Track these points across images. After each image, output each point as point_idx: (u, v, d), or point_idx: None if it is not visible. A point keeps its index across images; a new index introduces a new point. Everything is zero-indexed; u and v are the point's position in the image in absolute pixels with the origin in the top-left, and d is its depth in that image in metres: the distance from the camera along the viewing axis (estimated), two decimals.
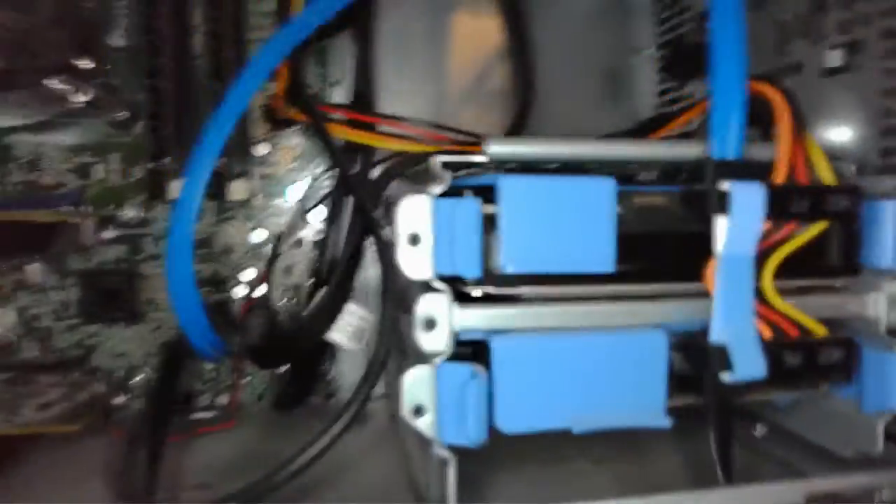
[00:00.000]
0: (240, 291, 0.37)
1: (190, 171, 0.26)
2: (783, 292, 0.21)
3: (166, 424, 0.28)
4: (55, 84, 0.28)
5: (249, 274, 0.37)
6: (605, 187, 0.20)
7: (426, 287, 0.19)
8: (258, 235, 0.38)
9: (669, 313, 0.22)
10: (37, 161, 0.36)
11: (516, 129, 0.37)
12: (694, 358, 0.22)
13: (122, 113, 0.36)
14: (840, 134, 0.27)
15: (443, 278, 0.20)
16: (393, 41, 0.39)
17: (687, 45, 0.38)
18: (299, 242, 0.37)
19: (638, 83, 0.42)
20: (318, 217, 0.36)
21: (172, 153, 0.35)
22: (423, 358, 0.20)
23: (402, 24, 0.39)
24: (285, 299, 0.37)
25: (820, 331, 0.22)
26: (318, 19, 0.26)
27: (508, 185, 0.20)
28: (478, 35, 0.40)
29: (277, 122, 0.37)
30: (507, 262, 0.20)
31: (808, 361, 0.21)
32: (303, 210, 0.35)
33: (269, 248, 0.37)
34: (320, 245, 0.34)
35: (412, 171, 0.29)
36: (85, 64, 0.29)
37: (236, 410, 0.36)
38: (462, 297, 0.20)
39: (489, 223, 0.20)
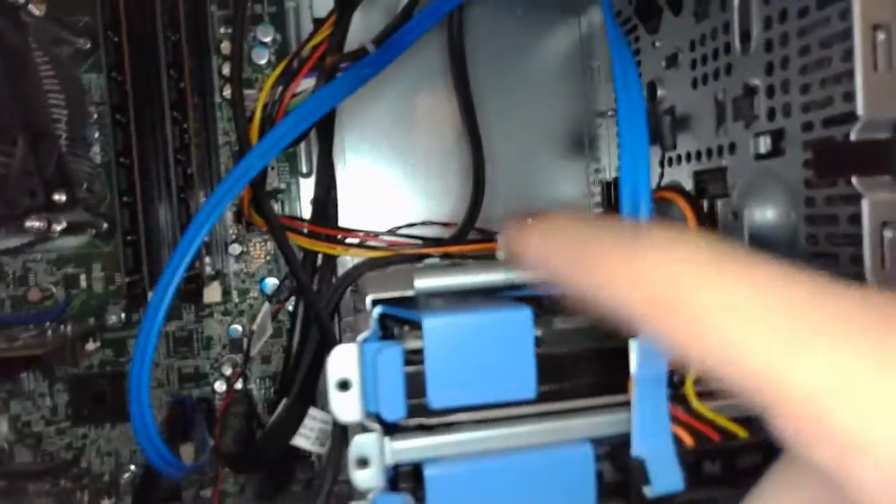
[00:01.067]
0: (220, 386, 0.39)
1: (151, 304, 0.27)
2: (705, 395, 0.23)
3: None
4: (34, 223, 0.30)
5: (228, 368, 0.39)
6: (522, 318, 0.22)
7: (359, 427, 0.21)
8: (236, 329, 0.40)
9: (596, 427, 0.23)
10: (24, 277, 0.38)
11: (474, 206, 0.39)
12: (620, 468, 0.23)
13: (103, 225, 0.39)
14: (768, 218, 0.28)
15: (374, 415, 0.21)
16: (359, 125, 0.41)
17: None
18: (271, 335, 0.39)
19: (604, 145, 0.43)
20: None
21: (148, 263, 0.37)
22: (358, 493, 0.21)
23: (368, 109, 0.41)
24: (264, 389, 0.39)
25: (742, 433, 0.23)
26: (269, 155, 0.28)
27: (431, 325, 0.21)
28: (440, 116, 0.42)
29: (247, 225, 0.39)
30: (433, 398, 0.21)
31: (726, 467, 0.22)
32: (271, 311, 0.37)
33: (246, 341, 0.39)
34: (285, 351, 0.35)
35: (369, 277, 0.31)
36: (59, 198, 0.31)
37: (220, 503, 0.37)
38: (395, 429, 0.22)
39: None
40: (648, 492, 0.22)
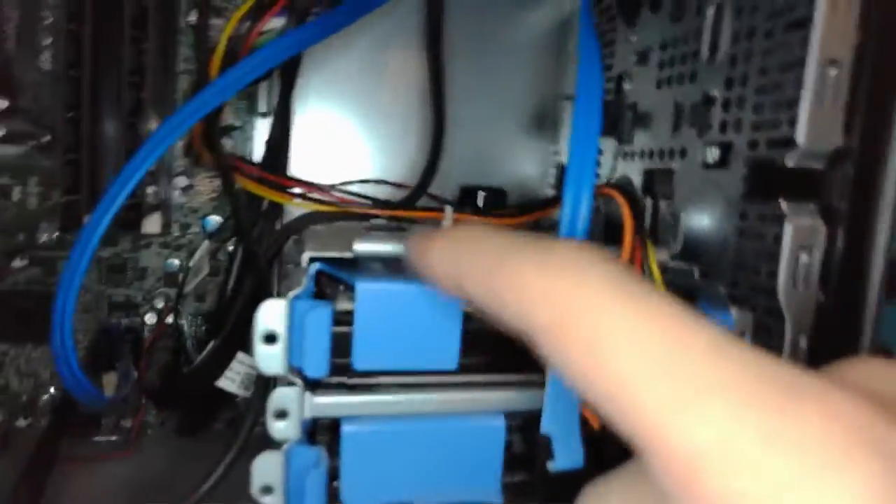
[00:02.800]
0: (151, 318, 0.39)
1: (87, 227, 0.27)
2: None
3: (55, 456, 0.30)
4: None
5: (161, 301, 0.39)
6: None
7: (283, 379, 0.21)
8: (173, 263, 0.39)
9: (511, 401, 0.24)
10: None
11: (429, 171, 0.39)
12: (529, 441, 0.24)
13: (45, 137, 0.37)
14: (704, 225, 0.29)
15: (297, 370, 0.22)
16: (325, 71, 0.40)
17: (604, 103, 0.40)
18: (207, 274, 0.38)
19: (566, 129, 0.44)
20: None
21: (87, 184, 0.36)
22: (274, 443, 0.22)
23: (337, 56, 0.40)
24: (195, 326, 0.39)
25: None
26: (229, 92, 0.27)
27: (364, 289, 0.22)
28: (408, 73, 0.41)
29: (196, 158, 0.38)
30: (358, 360, 0.22)
31: (626, 451, 0.24)
32: (213, 248, 0.36)
33: (182, 276, 0.39)
34: (218, 292, 0.35)
35: (312, 231, 0.31)
36: (0, 104, 0.30)
37: (139, 435, 0.37)
38: (317, 385, 0.22)
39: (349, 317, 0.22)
40: (551, 466, 0.23)
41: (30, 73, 0.36)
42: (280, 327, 0.21)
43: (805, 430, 0.10)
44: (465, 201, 0.38)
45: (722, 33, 0.28)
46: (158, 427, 0.39)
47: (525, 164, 0.43)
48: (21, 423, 0.37)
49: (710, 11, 0.29)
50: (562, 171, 0.43)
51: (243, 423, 0.25)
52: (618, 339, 0.12)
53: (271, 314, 0.21)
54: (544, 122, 0.43)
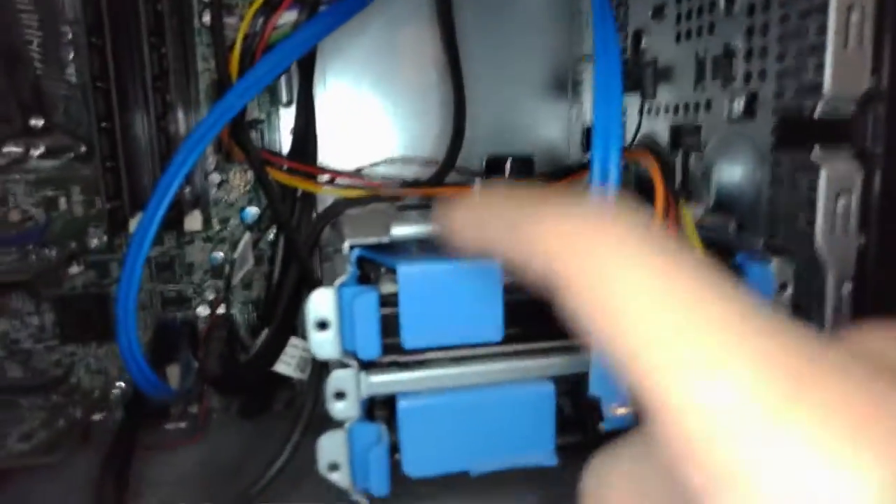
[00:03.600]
0: (203, 310, 0.41)
1: (142, 223, 0.28)
2: None
3: (133, 445, 0.32)
4: (12, 148, 0.30)
5: (210, 293, 0.40)
6: (492, 267, 0.23)
7: (338, 362, 0.23)
8: (217, 256, 0.40)
9: (558, 366, 0.25)
10: (4, 198, 0.38)
11: (454, 147, 0.40)
12: (578, 404, 0.26)
13: (81, 148, 0.38)
14: (736, 177, 0.29)
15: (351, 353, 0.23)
16: (342, 55, 0.40)
17: (622, 62, 0.40)
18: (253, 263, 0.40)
19: (587, 90, 0.43)
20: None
21: (127, 188, 0.37)
22: (336, 422, 0.23)
23: (352, 41, 0.41)
24: (247, 314, 0.41)
25: None
26: (251, 94, 0.28)
27: (406, 272, 0.23)
28: (425, 52, 0.41)
29: (227, 155, 0.39)
30: (406, 339, 0.23)
31: None
32: (252, 240, 0.38)
33: (227, 267, 0.40)
34: (265, 281, 0.37)
35: (347, 216, 0.32)
36: (36, 122, 0.31)
37: (206, 420, 0.40)
38: (371, 364, 0.23)
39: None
40: (602, 426, 0.24)
41: (59, 88, 0.37)
42: (331, 314, 0.22)
43: (825, 402, 0.10)
44: (492, 172, 0.39)
45: None
46: (223, 412, 0.41)
47: (549, 129, 0.43)
48: (96, 416, 0.40)
49: None
50: (586, 132, 0.43)
51: (304, 406, 0.26)
52: (639, 296, 0.12)
53: (321, 302, 0.22)
54: (564, 85, 0.43)
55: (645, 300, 0.12)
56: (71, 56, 0.38)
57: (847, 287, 0.23)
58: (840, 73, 0.22)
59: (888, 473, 0.09)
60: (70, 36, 0.37)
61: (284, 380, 0.39)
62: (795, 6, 0.24)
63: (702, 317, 0.11)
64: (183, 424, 0.40)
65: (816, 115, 0.22)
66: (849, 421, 0.10)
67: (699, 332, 0.11)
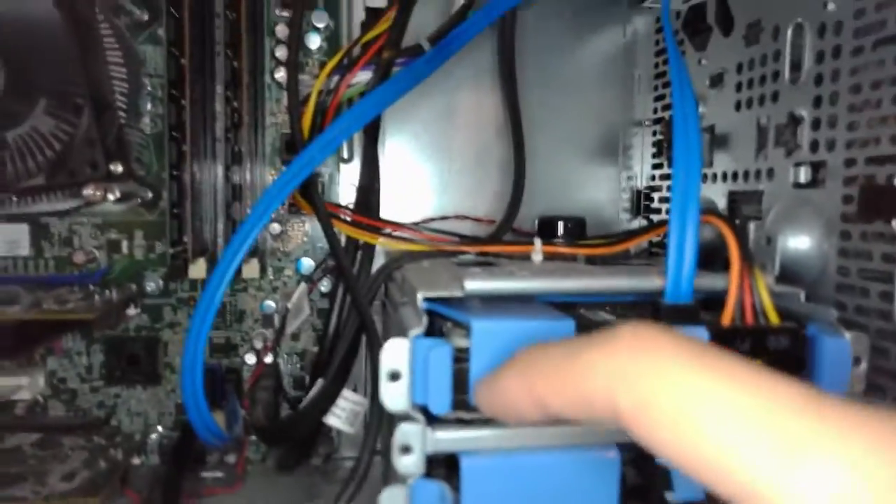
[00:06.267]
0: (250, 358, 0.41)
1: (209, 285, 0.29)
2: None
3: (178, 494, 0.32)
4: (90, 191, 0.31)
5: (259, 342, 0.41)
6: (565, 327, 0.23)
7: (405, 416, 0.22)
8: (269, 305, 0.41)
9: (625, 432, 0.24)
10: (70, 238, 0.39)
11: (514, 206, 0.40)
12: (644, 473, 0.25)
13: (148, 194, 0.40)
14: (801, 246, 0.29)
15: (419, 406, 0.22)
16: (403, 117, 0.42)
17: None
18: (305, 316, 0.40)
19: (637, 154, 0.44)
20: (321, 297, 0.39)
21: (189, 235, 0.38)
22: (399, 477, 0.22)
23: (413, 102, 0.42)
24: (292, 364, 0.41)
25: None
26: (327, 152, 0.29)
27: (479, 327, 0.23)
28: (480, 111, 0.43)
29: (290, 206, 0.40)
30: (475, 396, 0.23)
31: None
32: (307, 291, 0.38)
33: (278, 317, 0.40)
34: (320, 336, 0.37)
35: (409, 269, 0.32)
36: (116, 168, 0.33)
37: (243, 470, 0.39)
38: (435, 420, 0.23)
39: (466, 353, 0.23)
40: (670, 497, 0.23)
41: (135, 137, 0.39)
42: (403, 365, 0.22)
43: None
44: (544, 232, 0.39)
45: (804, 54, 0.29)
46: (259, 462, 0.41)
47: (599, 192, 0.44)
48: (135, 461, 0.39)
49: (789, 33, 0.29)
50: (637, 196, 0.43)
51: (360, 460, 0.26)
52: (708, 408, 0.12)
53: (395, 353, 0.22)
54: (615, 149, 0.44)
55: (718, 410, 0.12)
56: (148, 107, 0.40)
57: None
58: None
59: None
60: (149, 88, 0.39)
61: (323, 433, 0.39)
62: (867, 75, 0.24)
63: (780, 412, 0.11)
64: (219, 473, 0.40)
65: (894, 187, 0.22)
66: None
67: (782, 426, 0.11)
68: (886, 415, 0.11)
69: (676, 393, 0.13)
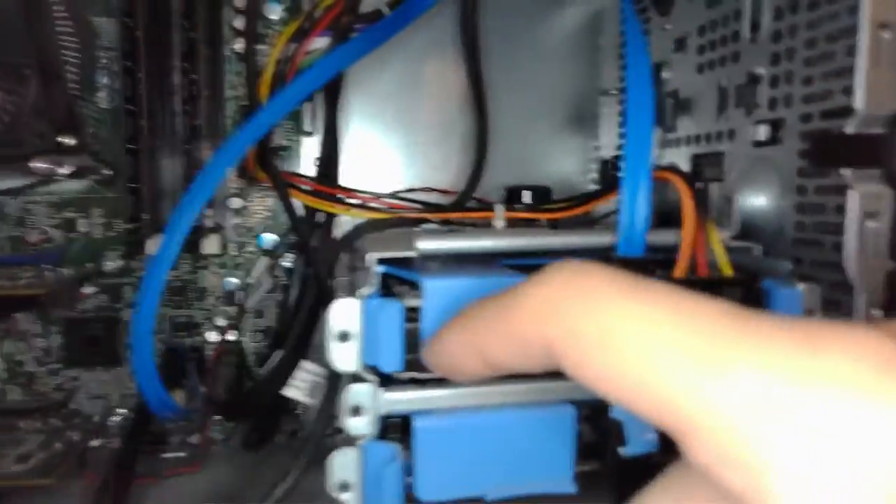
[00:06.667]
0: (212, 336, 0.40)
1: (163, 246, 0.28)
2: None
3: (132, 474, 0.31)
4: (39, 164, 0.30)
5: (221, 320, 0.40)
6: (517, 282, 0.23)
7: (355, 377, 0.22)
8: (231, 282, 0.40)
9: (579, 389, 0.24)
10: (24, 218, 0.38)
11: (476, 175, 0.40)
12: (598, 429, 0.24)
13: (106, 172, 0.39)
14: (760, 204, 0.29)
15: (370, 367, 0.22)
16: (365, 89, 0.41)
17: None
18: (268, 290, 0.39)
19: (605, 123, 0.44)
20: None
21: (148, 211, 0.37)
22: (349, 439, 0.22)
23: (375, 74, 0.41)
24: (257, 342, 0.40)
25: None
26: (281, 113, 0.29)
27: (431, 287, 0.22)
28: (446, 82, 0.42)
29: (250, 180, 0.39)
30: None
31: None
32: (270, 265, 0.37)
33: (241, 294, 0.40)
34: (279, 306, 0.36)
35: (369, 238, 0.32)
36: (68, 141, 0.32)
37: (206, 450, 0.38)
38: (388, 381, 0.23)
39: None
40: (623, 451, 0.23)
41: (90, 110, 0.38)
42: (353, 325, 0.22)
43: (837, 369, 0.10)
44: (511, 201, 0.39)
45: (763, 11, 0.28)
46: (223, 443, 0.40)
47: (565, 162, 0.43)
48: (94, 442, 0.38)
49: None
50: (603, 165, 0.43)
51: (316, 426, 0.25)
52: (629, 329, 0.12)
53: (344, 313, 0.22)
54: (582, 119, 0.43)
55: (639, 331, 0.12)
56: (104, 80, 0.39)
57: (877, 312, 0.22)
58: (871, 92, 0.22)
59: None
60: (104, 61, 0.38)
61: (289, 410, 0.38)
62: (822, 29, 0.24)
63: (698, 327, 0.11)
64: (182, 454, 0.39)
65: (846, 136, 0.22)
66: (865, 379, 0.10)
67: (700, 340, 0.11)
68: (805, 322, 0.11)
69: (600, 318, 0.12)
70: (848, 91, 0.23)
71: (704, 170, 0.33)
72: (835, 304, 0.23)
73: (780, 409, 0.10)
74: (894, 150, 0.22)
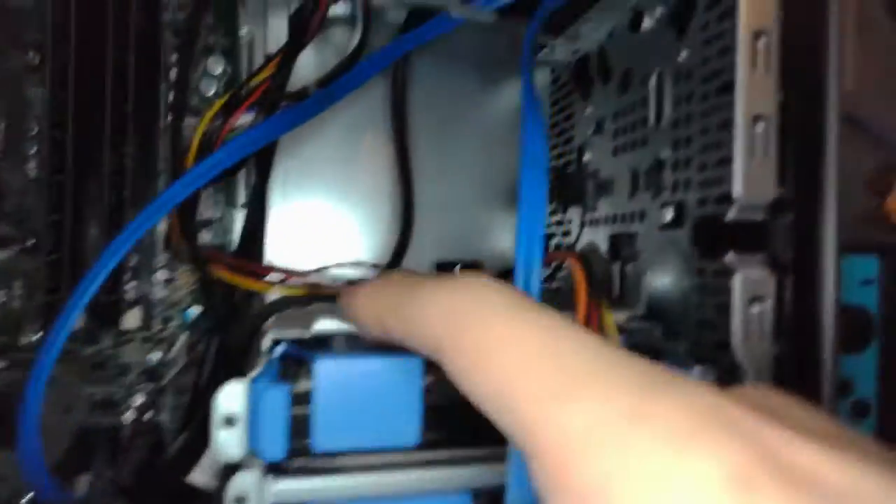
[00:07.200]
0: (130, 415, 0.38)
1: (63, 312, 0.27)
2: None
3: None
4: None
5: (141, 397, 0.38)
6: (412, 366, 0.22)
7: (239, 465, 0.21)
8: (153, 358, 0.39)
9: (477, 477, 0.23)
10: None
11: (400, 249, 0.40)
12: None
13: (29, 241, 0.38)
14: (665, 285, 0.29)
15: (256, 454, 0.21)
16: (297, 159, 0.42)
17: (568, 174, 0.41)
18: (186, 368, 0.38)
19: None
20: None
21: (67, 286, 0.37)
22: None
23: (305, 149, 0.42)
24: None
25: None
26: (199, 183, 0.29)
27: (321, 365, 0.22)
28: (379, 159, 0.43)
29: (175, 253, 0.39)
30: (317, 441, 0.21)
31: None
32: (190, 342, 0.36)
33: (162, 370, 0.38)
34: (192, 383, 0.35)
35: (284, 315, 0.31)
36: None
37: None
38: (278, 469, 0.22)
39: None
40: None
41: (17, 180, 0.38)
42: (240, 410, 0.21)
43: (668, 414, 0.11)
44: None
45: (665, 99, 0.30)
46: None
47: (500, 238, 0.44)
48: None
49: (653, 80, 0.31)
50: None
51: None
52: (500, 343, 0.13)
53: (231, 396, 0.21)
54: (515, 195, 0.44)
55: (508, 346, 0.13)
56: (34, 150, 0.38)
57: None
58: (748, 181, 0.23)
59: (729, 454, 0.10)
60: (35, 131, 0.38)
61: (203, 498, 0.36)
62: (713, 119, 0.25)
63: (558, 354, 0.13)
64: None
65: (728, 219, 0.23)
66: (691, 427, 0.11)
67: (555, 365, 0.12)
68: (658, 370, 0.12)
69: (481, 338, 0.14)
70: (732, 177, 0.24)
71: (621, 249, 0.34)
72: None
73: (610, 444, 0.11)
74: (775, 236, 0.23)
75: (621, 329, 0.24)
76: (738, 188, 0.23)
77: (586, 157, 0.38)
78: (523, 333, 0.14)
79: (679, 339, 0.26)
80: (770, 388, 0.15)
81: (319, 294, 0.32)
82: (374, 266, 0.40)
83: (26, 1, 0.37)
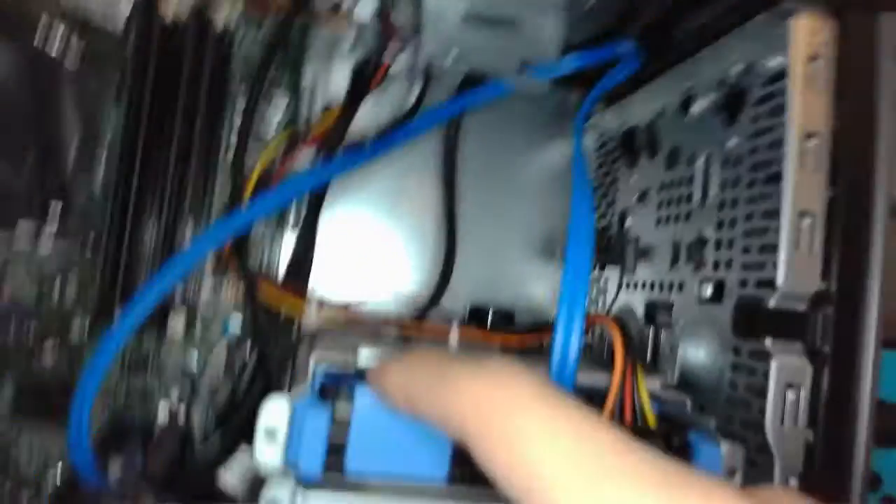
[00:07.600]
0: (164, 409, 0.40)
1: (124, 318, 0.29)
2: None
3: None
4: (23, 228, 0.32)
5: (175, 395, 0.40)
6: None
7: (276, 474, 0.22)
8: (192, 360, 0.41)
9: None
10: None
11: (440, 289, 0.41)
12: None
13: (88, 240, 0.40)
14: (700, 357, 0.30)
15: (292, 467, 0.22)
16: (347, 198, 0.44)
17: (608, 236, 0.42)
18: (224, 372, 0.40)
19: None
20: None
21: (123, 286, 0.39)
22: None
23: (358, 186, 0.44)
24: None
25: None
26: (259, 215, 0.31)
27: (362, 393, 0.23)
28: (425, 205, 0.45)
29: (224, 269, 0.41)
30: (351, 461, 0.23)
31: None
32: (228, 348, 0.38)
33: (200, 372, 0.40)
34: (229, 391, 0.37)
35: (324, 337, 0.33)
36: (54, 208, 0.33)
37: None
38: (309, 484, 0.23)
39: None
40: None
41: (84, 187, 0.40)
42: (281, 424, 0.22)
43: None
44: (474, 319, 0.40)
45: (711, 181, 0.31)
46: None
47: (535, 288, 0.45)
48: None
49: (700, 161, 0.32)
50: None
51: None
52: (533, 435, 0.14)
53: (274, 411, 0.22)
54: (553, 249, 0.46)
55: (541, 439, 0.14)
56: (101, 174, 0.41)
57: (793, 480, 0.22)
58: (792, 272, 0.23)
59: None
60: (105, 157, 0.41)
61: (227, 499, 0.37)
62: (759, 206, 0.26)
63: (590, 448, 0.14)
64: None
65: (770, 308, 0.24)
66: None
67: (587, 459, 0.13)
68: (680, 470, 0.13)
69: (510, 425, 0.15)
70: (776, 266, 0.25)
71: (657, 316, 0.34)
72: (757, 466, 0.24)
73: None
74: (815, 327, 0.24)
75: (653, 396, 0.25)
76: (781, 278, 0.23)
77: (628, 222, 0.39)
78: (556, 424, 0.15)
79: (709, 413, 0.26)
80: (798, 494, 0.16)
81: (359, 324, 0.34)
82: (415, 302, 0.41)
83: (115, 24, 0.40)
